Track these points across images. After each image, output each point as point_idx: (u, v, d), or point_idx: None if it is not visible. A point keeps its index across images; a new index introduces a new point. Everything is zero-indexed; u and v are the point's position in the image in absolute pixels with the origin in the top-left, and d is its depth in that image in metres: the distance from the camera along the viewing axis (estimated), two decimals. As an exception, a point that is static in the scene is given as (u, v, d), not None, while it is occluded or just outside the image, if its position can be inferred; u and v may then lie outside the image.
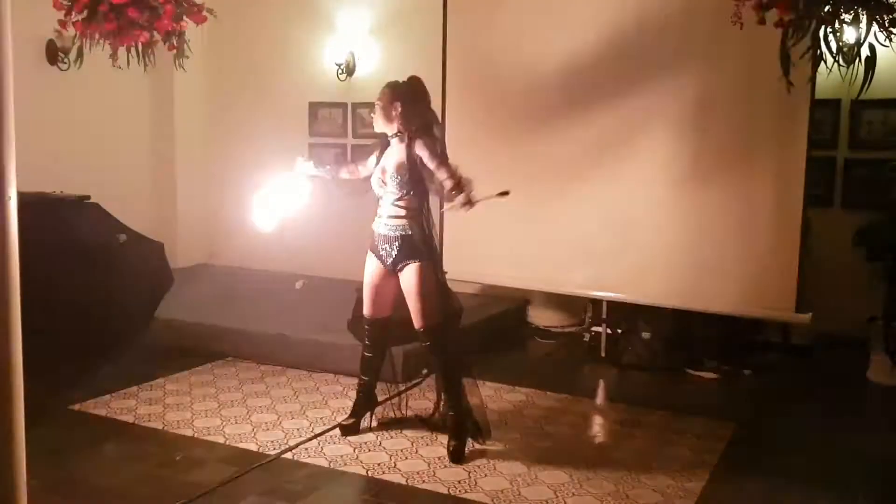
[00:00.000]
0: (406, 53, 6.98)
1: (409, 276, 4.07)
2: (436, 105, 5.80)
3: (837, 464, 4.13)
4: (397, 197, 4.06)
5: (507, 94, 5.66)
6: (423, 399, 4.79)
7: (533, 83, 5.52)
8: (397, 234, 4.08)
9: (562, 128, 5.42)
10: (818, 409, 4.96)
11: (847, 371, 5.40)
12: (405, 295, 4.11)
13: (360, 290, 4.35)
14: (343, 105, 7.39)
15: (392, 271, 4.12)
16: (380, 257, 4.14)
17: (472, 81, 5.84)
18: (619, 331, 5.80)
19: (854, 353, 5.42)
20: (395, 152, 4.09)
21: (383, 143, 4.17)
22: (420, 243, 4.06)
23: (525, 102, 5.57)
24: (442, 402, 4.23)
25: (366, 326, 4.30)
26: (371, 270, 4.21)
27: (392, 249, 4.08)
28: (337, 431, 4.37)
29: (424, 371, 4.92)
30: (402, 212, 4.08)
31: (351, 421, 4.37)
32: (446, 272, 5.79)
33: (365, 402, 4.43)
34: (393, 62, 7.04)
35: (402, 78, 4.21)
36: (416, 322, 4.08)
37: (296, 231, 7.57)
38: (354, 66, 7.22)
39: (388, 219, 4.09)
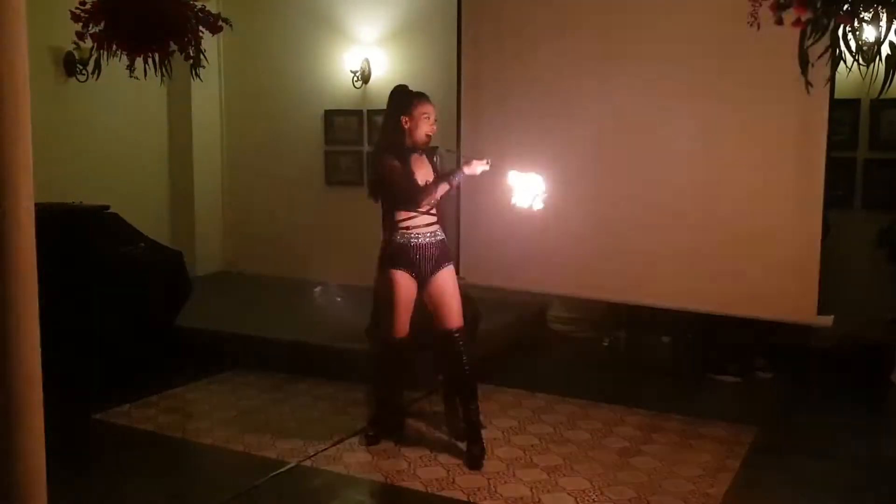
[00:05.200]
0: (421, 59, 6.99)
1: (446, 279, 4.09)
2: (451, 111, 5.85)
3: (862, 468, 4.07)
4: (431, 206, 4.08)
5: (523, 99, 5.65)
6: (439, 405, 4.77)
7: (549, 87, 5.50)
8: (436, 239, 4.10)
9: (577, 132, 5.40)
10: (841, 412, 4.90)
11: (870, 374, 5.32)
12: (440, 298, 4.06)
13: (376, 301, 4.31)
14: (359, 113, 7.41)
15: (427, 279, 4.07)
16: (415, 268, 4.05)
17: (487, 87, 5.83)
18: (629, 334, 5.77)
19: (877, 355, 5.35)
20: (426, 163, 4.10)
21: (408, 154, 4.05)
22: (447, 246, 4.17)
23: (541, 107, 5.55)
24: (462, 409, 4.20)
25: (392, 346, 4.19)
26: (404, 288, 4.07)
27: (432, 257, 4.06)
28: (356, 439, 4.36)
29: (441, 377, 4.90)
30: (435, 219, 4.12)
31: (375, 430, 4.36)
32: (464, 278, 5.83)
33: (389, 412, 4.42)
34: (408, 68, 7.05)
35: (417, 84, 4.20)
36: (453, 323, 4.06)
37: (314, 238, 7.65)
38: (370, 73, 7.23)
39: (425, 227, 4.06)
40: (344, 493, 3.81)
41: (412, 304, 4.13)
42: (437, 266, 4.07)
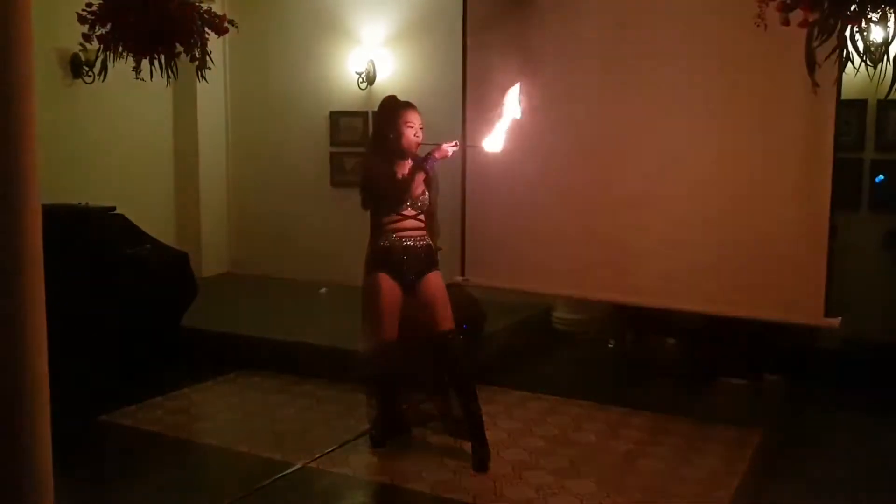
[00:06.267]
0: (426, 60, 6.99)
1: (435, 283, 4.11)
2: (456, 113, 5.85)
3: (870, 470, 4.06)
4: (419, 212, 4.11)
5: (528, 99, 5.63)
6: (445, 407, 4.76)
7: (554, 88, 5.49)
8: (421, 244, 4.12)
9: (584, 134, 5.38)
10: (848, 415, 4.88)
11: (877, 376, 5.30)
12: (430, 302, 4.08)
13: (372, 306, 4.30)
14: (363, 114, 7.41)
15: (412, 283, 4.09)
16: (400, 272, 4.08)
17: (492, 88, 5.81)
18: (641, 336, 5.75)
19: (884, 356, 5.33)
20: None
21: (394, 160, 4.10)
22: (433, 252, 4.19)
23: (546, 108, 5.54)
24: (464, 410, 4.19)
25: (385, 350, 4.17)
26: (389, 291, 4.09)
27: (417, 261, 4.09)
28: (361, 440, 4.36)
29: (446, 379, 4.89)
30: (422, 224, 4.15)
31: (381, 432, 4.35)
32: (468, 279, 5.83)
33: (394, 415, 4.41)
34: (413, 70, 7.05)
35: (423, 85, 4.22)
36: (445, 325, 4.07)
37: (319, 239, 7.66)
38: (375, 74, 7.23)
39: (410, 232, 4.09)
40: (349, 495, 3.81)
41: (398, 307, 4.13)
42: (424, 270, 4.10)
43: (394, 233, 4.08)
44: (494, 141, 3.99)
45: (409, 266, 4.08)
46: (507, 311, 6.31)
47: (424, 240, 4.15)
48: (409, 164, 4.11)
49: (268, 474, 3.94)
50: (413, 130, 4.06)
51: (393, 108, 4.11)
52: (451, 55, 6.25)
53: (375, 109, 7.07)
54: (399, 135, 4.05)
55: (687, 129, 5.09)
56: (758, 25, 3.29)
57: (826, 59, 3.25)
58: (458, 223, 5.84)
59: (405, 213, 4.07)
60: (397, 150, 4.07)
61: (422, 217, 4.14)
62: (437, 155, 3.98)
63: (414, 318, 4.15)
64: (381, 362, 4.24)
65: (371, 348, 4.24)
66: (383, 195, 4.04)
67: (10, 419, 1.69)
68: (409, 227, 4.09)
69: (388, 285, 4.09)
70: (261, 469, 4.02)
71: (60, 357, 2.20)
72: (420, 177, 4.00)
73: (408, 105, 4.12)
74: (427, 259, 4.13)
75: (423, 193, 4.11)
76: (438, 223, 4.41)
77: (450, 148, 4.00)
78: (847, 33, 3.10)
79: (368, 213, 4.18)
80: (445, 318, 4.08)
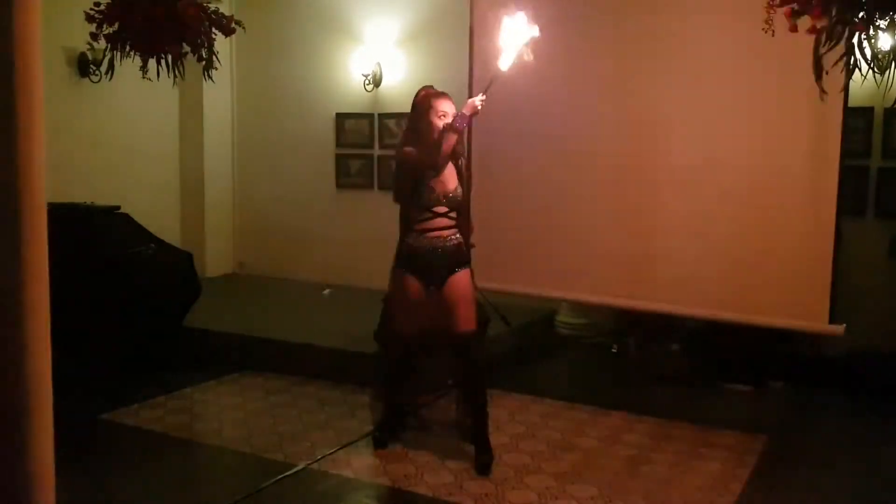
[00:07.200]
0: (432, 63, 6.99)
1: (462, 282, 4.06)
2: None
3: (873, 479, 4.04)
4: (451, 209, 4.07)
5: (534, 102, 5.63)
6: (449, 410, 4.76)
7: (560, 91, 5.48)
8: (451, 244, 4.07)
9: (591, 136, 5.38)
10: (852, 422, 4.87)
11: (882, 384, 5.28)
12: (455, 301, 4.03)
13: (386, 300, 4.34)
14: (370, 116, 7.42)
15: (439, 283, 4.05)
16: (425, 271, 4.03)
17: (497, 89, 5.81)
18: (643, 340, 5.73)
19: (889, 364, 5.31)
20: (450, 167, 4.06)
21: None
22: (465, 250, 4.14)
23: (552, 110, 5.54)
24: (471, 413, 4.19)
25: (403, 345, 4.20)
26: (411, 290, 4.07)
27: (445, 260, 4.04)
28: (363, 442, 4.35)
29: (450, 381, 4.89)
30: (453, 222, 4.10)
31: (383, 433, 4.35)
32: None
33: (397, 416, 4.41)
34: (420, 72, 7.05)
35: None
36: (462, 327, 4.03)
37: (323, 240, 7.66)
38: (381, 76, 7.24)
39: (439, 231, 4.04)
40: (351, 497, 3.80)
41: (421, 307, 4.11)
42: (451, 270, 4.05)
43: (423, 233, 4.03)
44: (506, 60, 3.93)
45: (436, 267, 4.03)
46: (511, 315, 6.28)
47: (455, 238, 4.09)
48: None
49: (269, 475, 3.94)
50: (447, 119, 4.00)
51: (424, 99, 4.08)
52: (458, 57, 6.25)
53: (381, 112, 7.22)
54: (430, 125, 4.00)
55: (693, 136, 5.08)
56: (766, 31, 3.29)
57: (833, 65, 3.24)
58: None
59: (436, 210, 4.01)
60: (431, 139, 3.98)
61: (453, 214, 4.08)
62: (465, 111, 3.88)
63: (437, 316, 4.11)
64: (398, 356, 4.26)
65: (389, 343, 4.26)
66: (417, 165, 3.94)
67: (12, 418, 1.69)
68: (440, 227, 4.03)
69: (413, 286, 4.07)
70: (262, 470, 4.02)
71: (63, 356, 2.19)
72: (451, 138, 3.89)
73: (440, 94, 4.08)
74: (455, 258, 4.07)
75: (457, 189, 4.05)
76: (472, 220, 4.37)
77: (478, 101, 3.90)
78: (855, 40, 3.10)
79: (396, 209, 4.15)
80: (467, 319, 4.05)
